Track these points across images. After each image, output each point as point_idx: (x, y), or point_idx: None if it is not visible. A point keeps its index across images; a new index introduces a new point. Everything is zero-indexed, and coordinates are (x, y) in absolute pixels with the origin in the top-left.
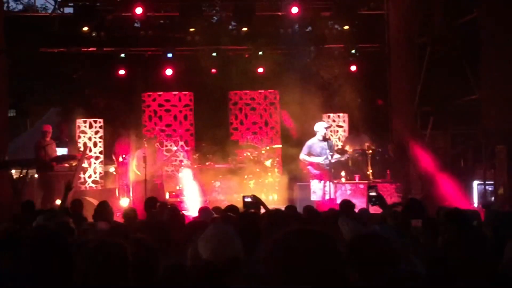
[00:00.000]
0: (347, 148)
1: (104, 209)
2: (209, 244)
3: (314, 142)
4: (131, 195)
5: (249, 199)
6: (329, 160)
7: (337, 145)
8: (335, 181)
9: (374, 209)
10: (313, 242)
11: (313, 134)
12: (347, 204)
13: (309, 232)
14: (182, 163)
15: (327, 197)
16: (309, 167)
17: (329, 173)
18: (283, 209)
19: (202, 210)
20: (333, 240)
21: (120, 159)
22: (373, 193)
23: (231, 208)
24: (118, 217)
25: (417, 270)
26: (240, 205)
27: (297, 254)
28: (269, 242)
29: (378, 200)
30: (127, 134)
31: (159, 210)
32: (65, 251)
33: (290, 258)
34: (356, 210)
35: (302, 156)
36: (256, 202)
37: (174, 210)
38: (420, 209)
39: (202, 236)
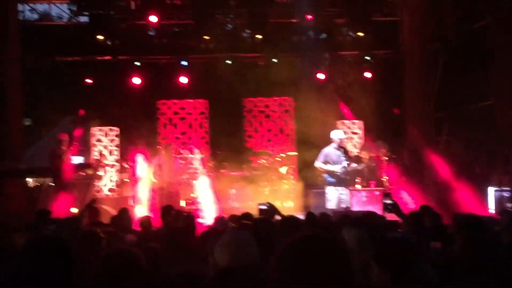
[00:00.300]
0: (362, 154)
1: (124, 217)
2: (226, 250)
3: (330, 150)
4: (146, 203)
5: (264, 207)
6: (345, 169)
7: (353, 153)
8: (351, 188)
9: (391, 216)
10: (320, 248)
11: (328, 140)
12: (372, 215)
13: (316, 238)
14: (198, 171)
15: (342, 204)
16: (325, 175)
17: (345, 181)
18: (298, 216)
19: (218, 219)
20: (341, 246)
21: (126, 165)
22: (388, 201)
23: (246, 216)
24: (134, 225)
25: (429, 276)
26: (255, 212)
27: (304, 259)
28: (278, 248)
29: (393, 207)
30: (140, 142)
31: (174, 218)
32: (66, 259)
33: (298, 264)
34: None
35: (318, 164)
36: (271, 209)
37: (189, 218)
38: (432, 215)
39: (219, 242)
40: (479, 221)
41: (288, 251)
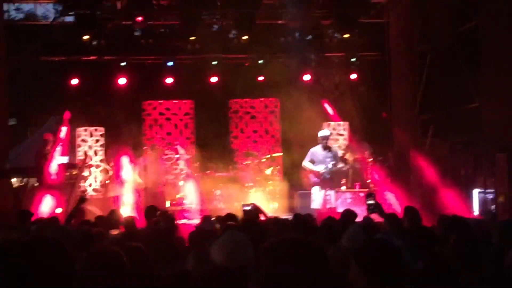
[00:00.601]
0: (347, 156)
1: (112, 218)
2: (224, 249)
3: (317, 150)
4: (131, 203)
5: (248, 208)
6: (330, 169)
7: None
8: (336, 190)
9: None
10: (298, 251)
11: (314, 142)
12: (349, 213)
13: (295, 241)
14: (183, 172)
15: (327, 205)
16: (310, 174)
17: (329, 181)
18: (283, 217)
19: (204, 219)
20: (320, 250)
21: (108, 167)
22: (371, 201)
23: (230, 216)
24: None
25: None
26: (240, 213)
27: (282, 262)
28: (259, 251)
29: (376, 208)
30: (125, 142)
31: (160, 219)
32: (64, 260)
33: (276, 267)
34: (360, 218)
35: (305, 163)
36: (256, 210)
37: (169, 219)
38: (416, 216)
39: (216, 242)
40: (465, 222)
41: (266, 254)
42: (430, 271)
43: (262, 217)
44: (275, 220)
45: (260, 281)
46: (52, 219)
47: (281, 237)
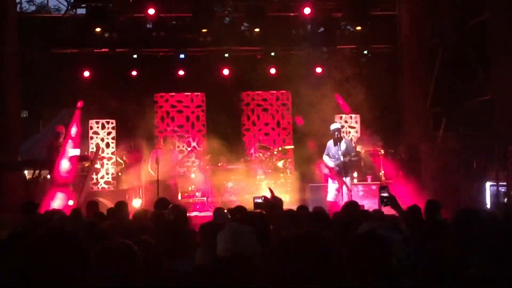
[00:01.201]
0: (358, 149)
1: (121, 209)
2: (227, 242)
3: (330, 144)
4: (142, 196)
5: (259, 200)
6: (341, 161)
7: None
8: (349, 183)
9: (387, 210)
10: (309, 244)
11: (325, 134)
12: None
13: (306, 235)
14: (195, 164)
15: (341, 198)
16: (323, 167)
17: (341, 174)
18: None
19: (216, 211)
20: (330, 243)
21: (120, 160)
22: (385, 194)
23: (239, 209)
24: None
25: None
26: (251, 205)
27: (293, 256)
28: (271, 244)
29: (389, 200)
30: (137, 135)
31: (169, 211)
32: (76, 253)
33: (288, 260)
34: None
35: (324, 157)
36: (267, 203)
37: (180, 212)
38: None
39: (220, 234)
40: (477, 215)
41: (278, 247)
42: (426, 266)
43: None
44: (288, 212)
45: (271, 275)
46: (73, 211)
47: (295, 231)
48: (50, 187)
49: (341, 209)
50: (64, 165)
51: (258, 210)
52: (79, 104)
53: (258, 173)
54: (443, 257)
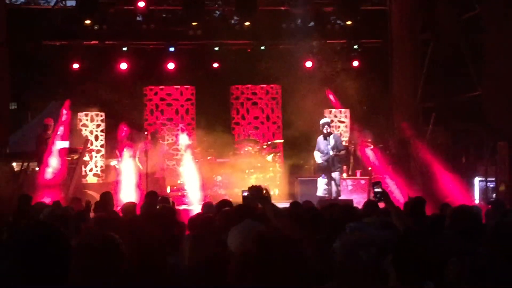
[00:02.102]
0: (350, 144)
1: (106, 200)
2: (238, 238)
3: (320, 139)
4: (131, 189)
5: (246, 194)
6: (330, 156)
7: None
8: (339, 177)
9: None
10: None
11: (315, 128)
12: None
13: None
14: (184, 157)
15: (330, 193)
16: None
17: (329, 169)
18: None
19: (205, 205)
20: (296, 244)
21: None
22: (378, 189)
23: (224, 202)
24: (118, 211)
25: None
26: (240, 199)
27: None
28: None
29: (383, 196)
30: (126, 127)
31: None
32: (63, 248)
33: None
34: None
35: (315, 152)
36: (256, 197)
37: (167, 208)
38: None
39: (233, 228)
40: (471, 212)
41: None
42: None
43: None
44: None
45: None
46: (55, 204)
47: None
48: (38, 187)
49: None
50: (52, 164)
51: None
52: (66, 103)
53: (247, 167)
54: (443, 252)
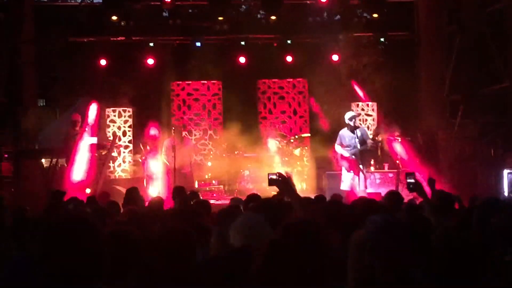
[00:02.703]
0: (378, 138)
1: (133, 195)
2: (240, 232)
3: (344, 133)
4: (159, 184)
5: (274, 177)
6: (357, 150)
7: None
8: (365, 171)
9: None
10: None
11: (342, 122)
12: (396, 197)
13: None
14: (211, 152)
15: (358, 187)
16: (339, 156)
17: (357, 163)
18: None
19: (233, 200)
20: (325, 233)
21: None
22: (412, 180)
23: (252, 197)
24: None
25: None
26: (268, 194)
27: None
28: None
29: (416, 187)
30: (153, 123)
31: (189, 198)
32: (95, 240)
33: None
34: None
35: (336, 146)
36: (282, 180)
37: (203, 202)
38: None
39: (233, 224)
40: (503, 204)
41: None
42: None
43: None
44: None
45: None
46: (89, 199)
47: (293, 219)
48: (67, 183)
49: (385, 199)
50: (81, 160)
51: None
52: (93, 103)
53: (274, 161)
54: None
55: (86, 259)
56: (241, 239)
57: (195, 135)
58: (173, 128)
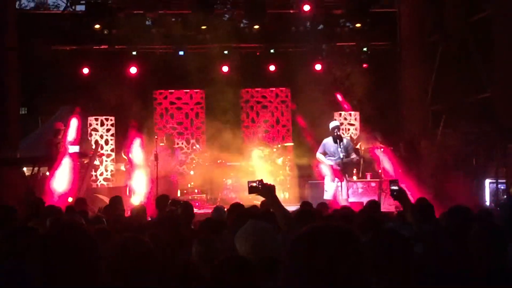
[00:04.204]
0: (358, 146)
1: (115, 204)
2: (248, 240)
3: (328, 142)
4: (142, 193)
5: (254, 184)
6: (341, 160)
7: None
8: (348, 180)
9: (385, 207)
10: (338, 240)
11: (324, 131)
12: (373, 205)
13: (335, 229)
14: (194, 161)
15: (341, 196)
16: (321, 166)
17: (341, 172)
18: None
19: (216, 209)
20: (357, 239)
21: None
22: (395, 187)
23: (236, 206)
24: (128, 215)
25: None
26: (251, 203)
27: (319, 252)
28: (291, 240)
29: (399, 194)
30: (136, 131)
31: (171, 206)
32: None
33: (311, 257)
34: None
35: (318, 155)
36: (263, 187)
37: (187, 206)
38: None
39: (240, 231)
40: (474, 214)
41: (301, 243)
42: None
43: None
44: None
45: (289, 275)
46: (68, 208)
47: (314, 224)
48: (48, 192)
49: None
50: (63, 168)
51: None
52: (76, 110)
53: (257, 170)
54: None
55: (83, 271)
56: (249, 247)
57: (177, 143)
58: (157, 136)
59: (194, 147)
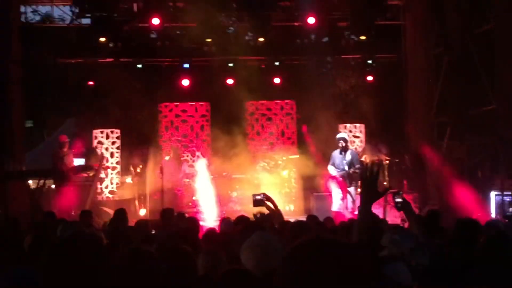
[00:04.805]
0: (364, 158)
1: (120, 217)
2: (254, 253)
3: (335, 154)
4: (147, 205)
5: (259, 197)
6: (346, 172)
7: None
8: (355, 192)
9: (391, 219)
10: (332, 253)
11: (329, 143)
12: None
13: (328, 242)
14: (199, 174)
15: (347, 209)
16: (329, 180)
17: (346, 184)
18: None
19: (223, 221)
20: (356, 252)
21: (138, 170)
22: (399, 199)
23: (242, 219)
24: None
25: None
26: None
27: (312, 267)
28: (284, 254)
29: (404, 206)
30: (142, 144)
31: (177, 220)
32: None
33: (304, 272)
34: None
35: (329, 166)
36: (267, 199)
37: (193, 220)
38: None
39: (246, 244)
40: (475, 225)
41: (293, 257)
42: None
43: (270, 205)
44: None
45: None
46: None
47: (306, 237)
48: (54, 205)
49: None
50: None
51: (257, 210)
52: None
53: (262, 183)
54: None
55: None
56: (255, 259)
57: (182, 156)
58: (163, 149)
59: (200, 159)
